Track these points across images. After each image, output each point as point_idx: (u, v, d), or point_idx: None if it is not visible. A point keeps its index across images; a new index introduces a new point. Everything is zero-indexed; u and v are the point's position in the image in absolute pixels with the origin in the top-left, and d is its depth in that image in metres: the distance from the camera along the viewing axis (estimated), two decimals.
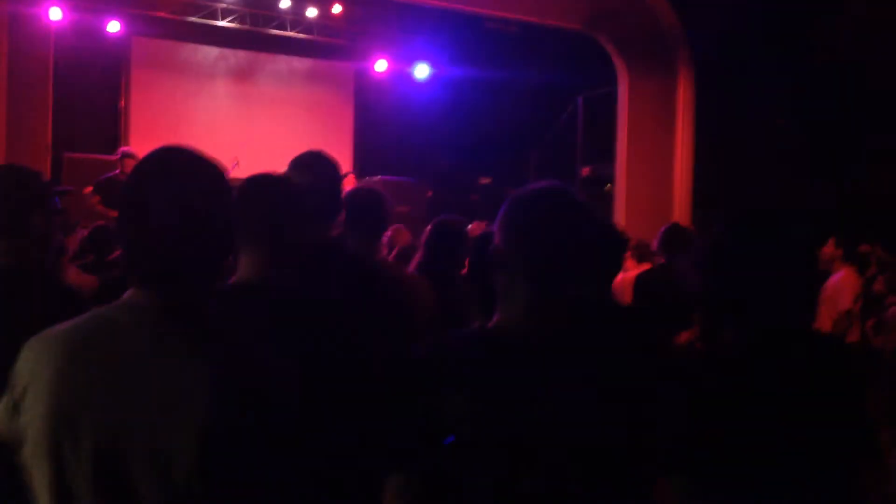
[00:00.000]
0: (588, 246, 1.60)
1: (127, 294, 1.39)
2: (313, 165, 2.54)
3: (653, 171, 10.09)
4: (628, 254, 6.11)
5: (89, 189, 7.61)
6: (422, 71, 12.60)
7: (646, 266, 6.03)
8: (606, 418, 1.55)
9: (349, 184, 8.72)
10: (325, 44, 12.05)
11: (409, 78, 12.65)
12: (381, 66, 12.36)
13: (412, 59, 12.50)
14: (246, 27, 11.40)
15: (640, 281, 4.90)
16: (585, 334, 1.65)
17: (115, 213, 1.75)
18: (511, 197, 1.63)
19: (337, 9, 11.32)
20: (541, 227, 1.57)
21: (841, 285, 6.14)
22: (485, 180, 10.99)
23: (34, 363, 1.36)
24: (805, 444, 1.77)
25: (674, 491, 1.78)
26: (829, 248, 6.40)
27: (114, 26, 10.48)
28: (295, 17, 11.58)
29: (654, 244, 6.78)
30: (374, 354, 1.93)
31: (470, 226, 8.29)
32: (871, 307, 6.24)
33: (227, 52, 11.84)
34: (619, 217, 9.76)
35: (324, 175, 2.54)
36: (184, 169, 1.42)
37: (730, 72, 9.44)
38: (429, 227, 3.83)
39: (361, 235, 3.01)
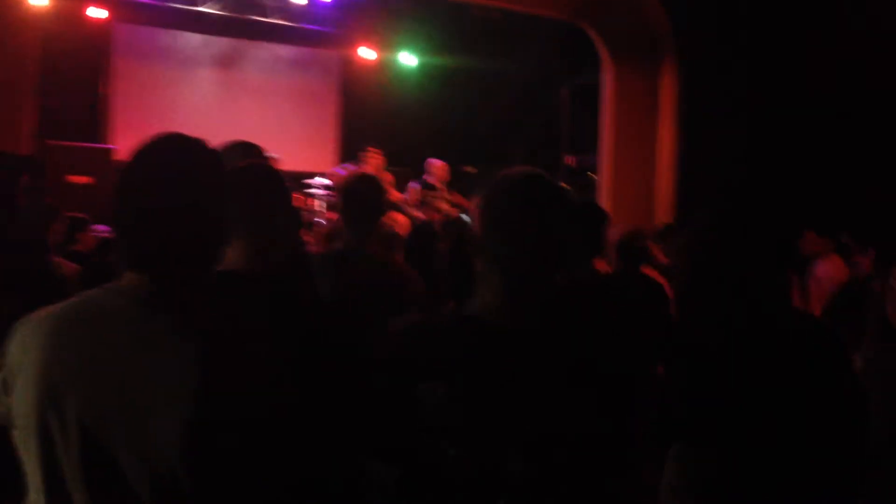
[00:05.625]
0: (564, 232, 1.61)
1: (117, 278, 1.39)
2: (239, 155, 2.52)
3: (637, 162, 10.13)
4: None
5: None
6: (408, 60, 12.56)
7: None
8: (587, 401, 1.56)
9: (374, 159, 8.55)
10: (310, 32, 11.98)
11: (395, 66, 12.61)
12: (367, 54, 12.31)
13: (398, 48, 12.46)
14: (230, 14, 11.32)
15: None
16: (565, 318, 1.65)
17: None
18: (487, 184, 1.65)
19: None
20: (516, 215, 1.58)
21: (829, 273, 6.20)
22: (470, 169, 10.99)
23: (23, 344, 1.37)
24: (795, 414, 1.80)
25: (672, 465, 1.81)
26: (809, 240, 6.46)
27: (96, 13, 10.38)
28: (280, 5, 11.51)
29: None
30: (358, 348, 1.94)
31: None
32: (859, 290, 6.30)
33: (211, 39, 11.73)
34: (603, 206, 9.79)
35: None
36: (179, 155, 1.43)
37: (716, 64, 9.47)
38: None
39: (356, 224, 3.02)
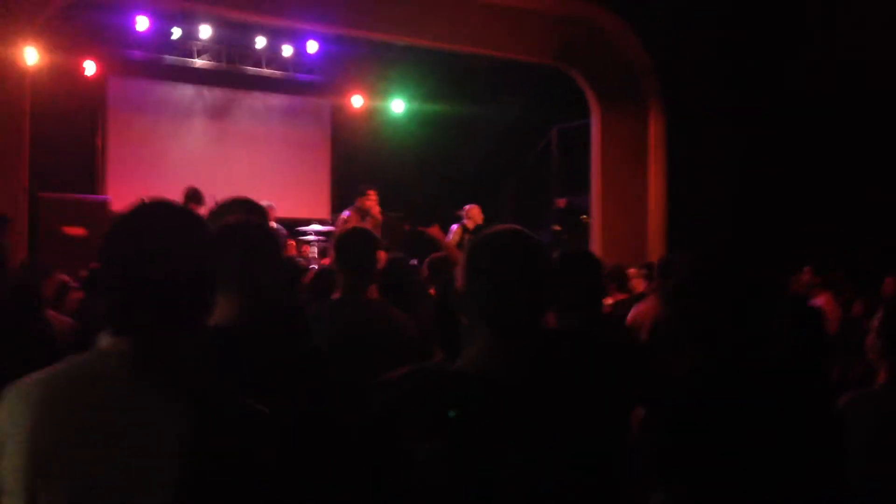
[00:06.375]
0: (546, 286, 1.64)
1: (103, 342, 1.40)
2: (239, 211, 2.54)
3: (627, 202, 10.20)
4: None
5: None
6: (398, 106, 12.71)
7: (623, 295, 6.13)
8: (579, 450, 1.57)
9: (371, 200, 8.76)
10: (301, 81, 12.14)
11: (385, 113, 12.75)
12: (357, 101, 12.45)
13: (388, 95, 12.61)
14: (222, 66, 11.47)
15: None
16: (553, 372, 1.66)
17: None
18: (471, 241, 1.68)
19: (312, 47, 11.42)
20: (499, 268, 1.61)
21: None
22: (461, 213, 11.05)
23: (10, 412, 1.37)
24: (779, 453, 1.83)
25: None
26: (805, 276, 6.50)
27: (90, 67, 10.52)
28: (271, 55, 11.68)
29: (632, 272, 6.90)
30: (352, 403, 1.95)
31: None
32: (851, 331, 6.33)
33: (204, 90, 11.88)
34: (595, 247, 9.85)
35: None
36: (163, 222, 1.45)
37: (701, 103, 9.59)
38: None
39: (352, 275, 3.07)
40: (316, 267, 8.92)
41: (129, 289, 1.39)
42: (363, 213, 8.60)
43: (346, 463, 1.79)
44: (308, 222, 9.86)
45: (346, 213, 8.83)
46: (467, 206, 9.02)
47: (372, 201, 8.73)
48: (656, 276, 5.07)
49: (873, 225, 8.63)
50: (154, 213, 1.47)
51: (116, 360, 1.38)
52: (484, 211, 9.06)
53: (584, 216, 10.57)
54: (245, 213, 2.48)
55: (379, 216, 8.77)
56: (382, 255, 3.58)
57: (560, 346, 2.55)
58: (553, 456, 1.53)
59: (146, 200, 1.49)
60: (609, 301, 5.72)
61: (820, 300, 6.30)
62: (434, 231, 8.74)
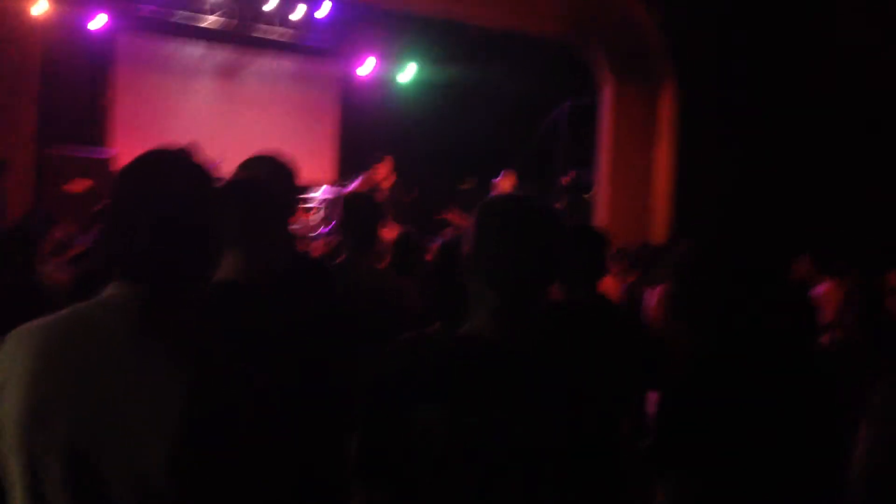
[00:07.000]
0: (555, 254, 1.63)
1: (107, 290, 1.39)
2: (264, 168, 2.51)
3: (634, 180, 10.16)
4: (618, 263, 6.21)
5: None
6: (408, 73, 12.61)
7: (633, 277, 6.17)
8: (579, 425, 1.56)
9: (386, 167, 8.70)
10: (311, 44, 12.03)
11: (394, 81, 12.65)
12: (367, 67, 12.36)
13: (399, 62, 12.51)
14: (232, 26, 11.37)
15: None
16: (558, 339, 1.66)
17: None
18: (480, 205, 1.67)
19: (324, 10, 11.32)
20: (507, 236, 1.60)
21: (824, 298, 6.19)
22: (468, 183, 11.02)
23: (11, 357, 1.36)
24: (780, 437, 1.83)
25: (664, 489, 1.83)
26: (805, 263, 6.47)
27: (99, 21, 10.43)
28: (282, 17, 11.57)
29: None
30: (348, 366, 1.94)
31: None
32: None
33: (213, 50, 11.79)
34: (600, 224, 9.82)
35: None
36: (171, 170, 1.44)
37: (713, 84, 9.52)
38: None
39: (356, 241, 3.07)
40: (319, 233, 8.93)
41: (135, 235, 1.38)
42: (375, 181, 8.54)
43: (346, 426, 1.78)
44: (312, 188, 9.83)
45: (356, 181, 8.77)
46: (501, 175, 8.85)
47: (386, 170, 8.67)
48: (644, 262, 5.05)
49: (874, 221, 8.61)
50: (164, 161, 1.46)
51: (120, 311, 1.37)
52: (490, 183, 8.96)
53: (588, 194, 10.53)
54: (271, 170, 2.45)
55: (389, 185, 8.71)
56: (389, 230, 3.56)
57: (567, 316, 2.55)
58: (555, 424, 1.52)
59: (155, 149, 1.47)
60: (619, 280, 5.73)
61: (822, 289, 6.28)
62: (454, 216, 8.71)
